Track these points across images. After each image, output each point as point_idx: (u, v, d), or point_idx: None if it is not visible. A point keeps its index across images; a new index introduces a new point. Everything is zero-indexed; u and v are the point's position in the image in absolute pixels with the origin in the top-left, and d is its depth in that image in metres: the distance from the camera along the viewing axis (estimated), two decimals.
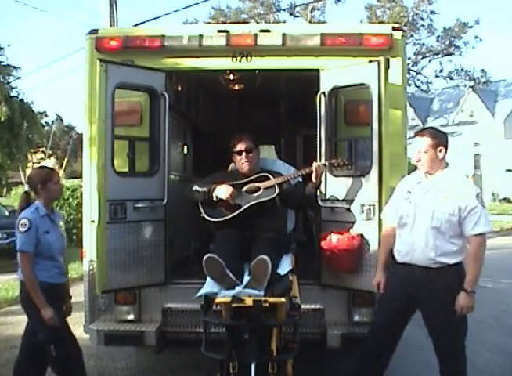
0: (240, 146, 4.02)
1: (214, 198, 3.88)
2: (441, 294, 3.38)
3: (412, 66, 32.28)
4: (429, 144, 3.42)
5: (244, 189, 3.96)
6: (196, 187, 3.93)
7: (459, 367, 3.51)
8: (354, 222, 3.98)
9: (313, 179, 3.87)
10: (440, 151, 3.41)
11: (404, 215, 3.49)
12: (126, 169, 4.21)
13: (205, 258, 3.32)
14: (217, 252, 3.52)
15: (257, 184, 3.98)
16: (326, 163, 3.97)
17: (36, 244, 3.57)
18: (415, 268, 3.43)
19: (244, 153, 4.01)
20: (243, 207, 3.86)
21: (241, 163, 4.03)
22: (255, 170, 4.07)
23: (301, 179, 4.12)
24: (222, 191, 3.86)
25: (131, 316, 4.19)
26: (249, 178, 4.01)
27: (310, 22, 29.06)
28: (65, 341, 3.69)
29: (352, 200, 4.00)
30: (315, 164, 3.88)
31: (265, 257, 3.28)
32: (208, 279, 3.42)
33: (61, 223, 3.94)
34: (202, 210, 3.98)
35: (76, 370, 3.75)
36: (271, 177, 3.98)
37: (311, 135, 4.41)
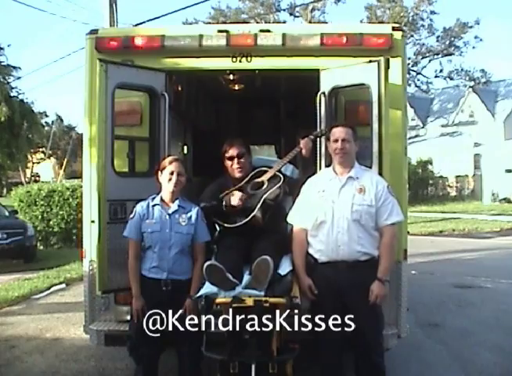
0: (232, 152, 4.03)
1: (224, 208, 3.86)
2: (364, 289, 3.43)
3: (412, 66, 32.35)
4: (352, 135, 3.55)
5: (248, 188, 3.96)
6: (203, 204, 3.90)
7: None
8: None
9: (304, 154, 3.99)
10: (356, 145, 3.58)
11: (320, 215, 3.49)
12: (126, 169, 4.21)
13: (205, 266, 3.32)
14: (218, 258, 3.56)
15: (258, 179, 3.99)
16: (312, 137, 4.04)
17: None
18: (341, 265, 3.44)
19: (236, 159, 4.02)
20: (259, 204, 3.85)
21: (232, 169, 4.04)
22: (247, 174, 4.07)
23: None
24: (233, 199, 3.84)
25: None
26: (247, 179, 4.01)
27: (310, 22, 29.11)
28: (135, 338, 3.68)
29: None
30: (302, 142, 4.00)
31: (268, 258, 3.29)
32: None
33: None
34: (218, 221, 3.96)
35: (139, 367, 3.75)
36: (267, 169, 4.01)
37: (309, 136, 4.40)
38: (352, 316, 3.42)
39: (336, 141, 3.53)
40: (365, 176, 3.58)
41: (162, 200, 3.70)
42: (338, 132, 3.55)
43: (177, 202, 3.68)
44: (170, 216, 3.64)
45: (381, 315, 3.61)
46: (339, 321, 3.39)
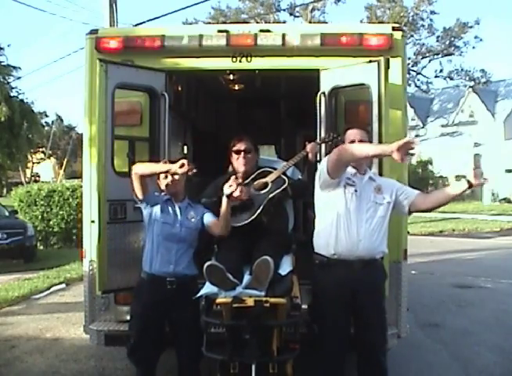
0: (239, 146, 4.04)
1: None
2: (375, 288, 3.45)
3: (412, 66, 32.28)
4: (367, 137, 3.57)
5: (252, 188, 3.96)
6: (204, 200, 3.93)
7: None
8: None
9: (310, 159, 4.02)
10: None
11: (341, 207, 3.40)
12: (126, 169, 4.19)
13: (206, 266, 3.30)
14: (218, 258, 3.56)
15: (263, 180, 3.99)
16: (318, 141, 4.05)
17: None
18: (356, 263, 3.39)
19: (243, 153, 4.02)
20: (262, 206, 3.86)
21: (238, 162, 4.04)
22: (252, 170, 4.07)
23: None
24: (232, 189, 3.86)
25: None
26: (251, 178, 4.01)
27: (310, 22, 29.05)
28: (135, 338, 3.66)
29: None
30: (309, 146, 4.02)
31: (268, 258, 3.28)
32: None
33: None
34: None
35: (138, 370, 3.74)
36: (272, 170, 4.01)
37: (311, 135, 4.41)
38: (360, 316, 3.44)
39: (352, 142, 3.50)
40: (377, 178, 3.60)
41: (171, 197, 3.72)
42: (354, 134, 3.54)
43: (186, 200, 3.71)
44: (181, 211, 3.66)
45: (386, 314, 3.60)
46: (346, 321, 3.43)
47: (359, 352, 3.54)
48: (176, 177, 3.63)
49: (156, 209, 3.63)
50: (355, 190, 3.43)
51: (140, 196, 3.61)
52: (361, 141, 3.50)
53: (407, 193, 3.50)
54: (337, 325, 3.42)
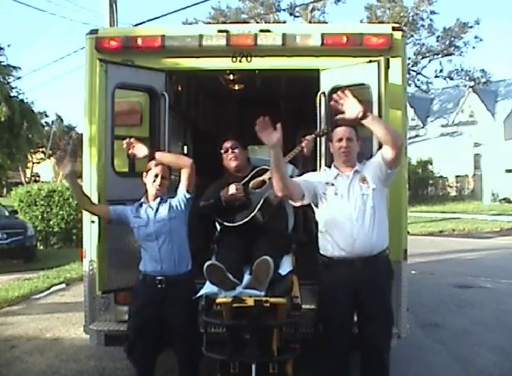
0: (226, 145, 4.10)
1: (223, 203, 3.89)
2: (378, 285, 3.43)
3: (412, 66, 32.33)
4: (355, 134, 3.54)
5: (249, 187, 3.98)
6: (202, 202, 3.96)
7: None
8: None
9: (305, 154, 4.06)
10: (358, 145, 3.57)
11: (333, 212, 3.42)
12: (126, 169, 4.21)
13: (206, 265, 3.31)
14: (218, 258, 3.57)
15: (260, 178, 4.01)
16: (313, 136, 4.08)
17: None
18: (357, 262, 3.38)
19: (230, 150, 4.08)
20: (260, 203, 3.88)
21: (228, 159, 4.09)
22: (244, 168, 4.10)
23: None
24: (229, 188, 3.89)
25: None
26: (248, 178, 4.02)
27: (310, 22, 29.07)
28: (132, 337, 3.67)
29: None
30: (304, 142, 4.05)
31: (268, 258, 3.29)
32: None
33: None
34: (217, 219, 4.03)
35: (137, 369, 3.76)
36: (269, 168, 4.02)
37: (311, 135, 4.41)
38: (364, 313, 3.44)
39: (340, 140, 3.51)
40: (362, 167, 3.57)
41: (147, 199, 3.72)
42: (342, 131, 3.52)
43: (158, 198, 3.68)
44: (152, 209, 3.65)
45: (392, 312, 3.59)
46: (351, 321, 3.43)
47: (363, 349, 3.54)
48: (165, 182, 3.66)
49: (130, 217, 3.66)
50: (336, 194, 3.45)
51: (106, 216, 3.73)
52: (348, 139, 3.50)
53: (377, 162, 3.48)
54: (343, 325, 3.42)
